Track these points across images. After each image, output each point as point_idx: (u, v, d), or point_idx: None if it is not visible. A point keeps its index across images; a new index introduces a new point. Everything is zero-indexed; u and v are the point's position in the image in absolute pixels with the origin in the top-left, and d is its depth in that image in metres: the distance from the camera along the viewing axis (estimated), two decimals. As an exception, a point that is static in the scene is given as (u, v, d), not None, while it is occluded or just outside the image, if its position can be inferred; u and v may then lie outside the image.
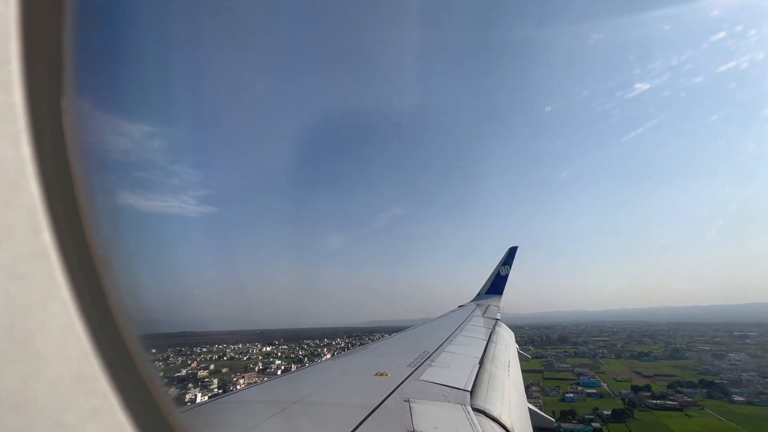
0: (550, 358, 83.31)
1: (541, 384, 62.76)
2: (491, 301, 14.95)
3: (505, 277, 16.98)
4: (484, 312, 11.88)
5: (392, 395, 3.05)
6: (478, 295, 17.02)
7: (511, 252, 17.37)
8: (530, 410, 4.51)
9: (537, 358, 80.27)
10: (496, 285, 16.89)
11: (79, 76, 0.79)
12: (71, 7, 0.78)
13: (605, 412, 51.21)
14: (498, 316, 11.30)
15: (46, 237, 0.71)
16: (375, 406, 2.76)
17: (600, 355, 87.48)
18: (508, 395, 3.98)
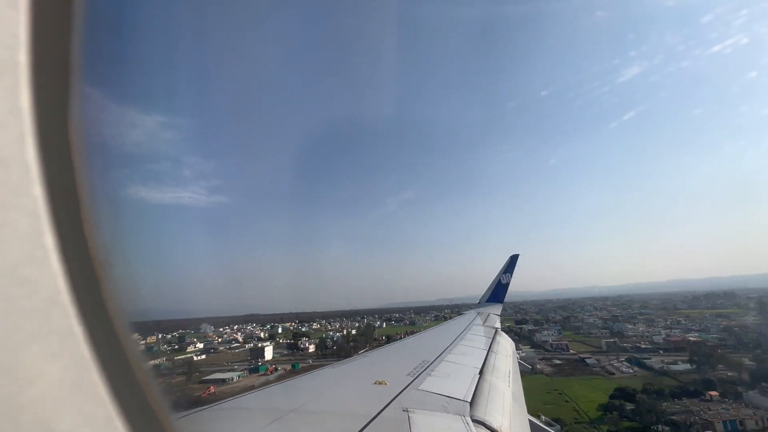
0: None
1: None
2: (492, 310, 14.86)
3: (506, 285, 16.92)
4: (485, 321, 11.79)
5: (391, 405, 3.02)
6: (478, 302, 16.94)
7: (513, 260, 17.32)
8: (531, 422, 4.45)
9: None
10: (497, 293, 16.82)
11: (86, 80, 0.80)
12: (80, 10, 0.79)
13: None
14: (498, 325, 11.22)
15: (48, 240, 0.71)
16: (373, 415, 2.72)
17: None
18: (509, 407, 3.93)
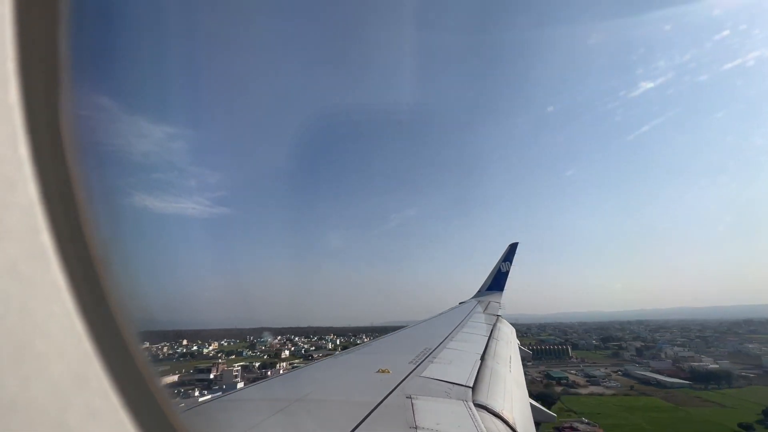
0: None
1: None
2: (492, 298, 14.98)
3: (506, 274, 17.02)
4: (485, 308, 11.89)
5: (394, 392, 3.06)
6: (479, 291, 17.06)
7: (512, 248, 17.39)
8: (532, 405, 4.52)
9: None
10: (497, 281, 16.94)
11: (75, 75, 0.79)
12: (67, 4, 0.78)
13: None
14: (499, 312, 11.32)
15: (44, 237, 0.71)
16: (377, 403, 2.76)
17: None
18: (510, 391, 3.99)
